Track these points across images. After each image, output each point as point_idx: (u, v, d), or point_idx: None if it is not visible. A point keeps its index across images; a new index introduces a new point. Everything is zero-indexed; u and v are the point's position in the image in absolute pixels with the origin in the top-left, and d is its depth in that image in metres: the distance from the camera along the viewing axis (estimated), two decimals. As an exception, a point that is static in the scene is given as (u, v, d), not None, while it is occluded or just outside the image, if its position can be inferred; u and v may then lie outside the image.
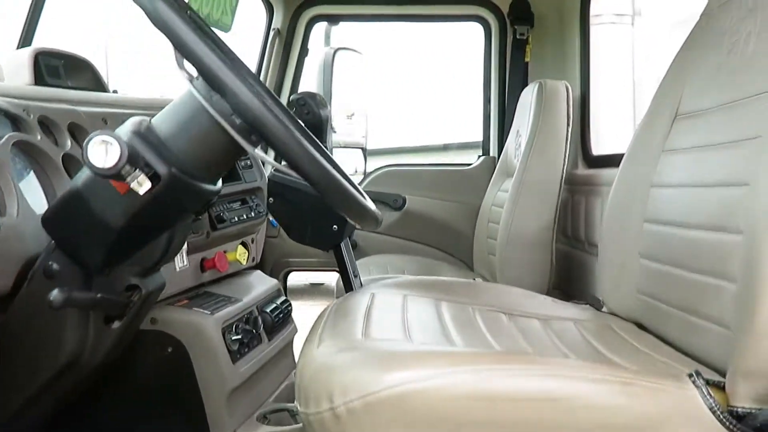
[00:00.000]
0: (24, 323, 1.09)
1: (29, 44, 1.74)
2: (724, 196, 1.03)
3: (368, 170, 3.06)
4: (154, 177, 0.97)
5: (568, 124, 2.25)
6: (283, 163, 0.95)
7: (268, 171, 2.04)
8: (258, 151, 1.01)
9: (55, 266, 1.06)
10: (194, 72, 0.95)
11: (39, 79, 1.44)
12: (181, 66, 0.99)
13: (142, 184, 0.94)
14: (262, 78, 2.78)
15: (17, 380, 1.13)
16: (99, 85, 1.64)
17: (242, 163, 1.93)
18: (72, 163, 1.29)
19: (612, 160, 2.20)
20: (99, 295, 1.07)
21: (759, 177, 0.92)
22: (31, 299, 1.07)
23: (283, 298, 2.01)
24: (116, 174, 0.92)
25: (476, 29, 2.90)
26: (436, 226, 2.85)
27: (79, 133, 1.38)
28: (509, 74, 2.80)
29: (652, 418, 0.82)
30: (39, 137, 1.25)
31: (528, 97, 2.39)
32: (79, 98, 1.46)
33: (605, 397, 0.82)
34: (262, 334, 1.80)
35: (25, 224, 1.12)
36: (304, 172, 0.90)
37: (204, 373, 1.57)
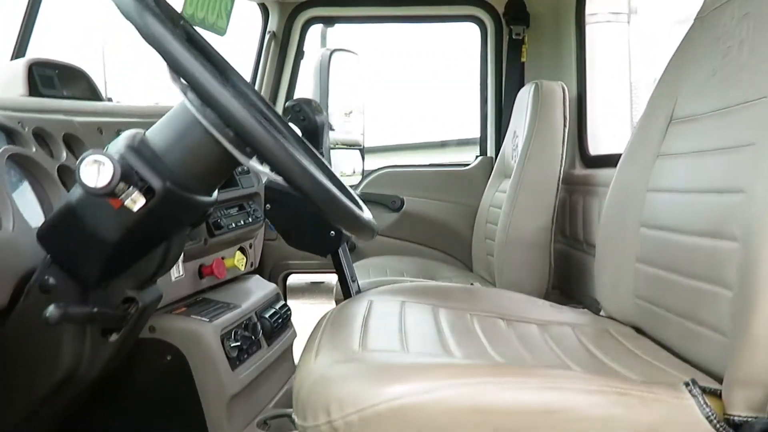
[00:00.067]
0: (21, 338, 1.09)
1: (23, 55, 1.74)
2: (719, 203, 1.03)
3: (367, 168, 3.07)
4: (148, 191, 0.97)
5: (564, 125, 2.25)
6: None
7: (264, 177, 2.03)
8: (253, 163, 1.01)
9: (51, 281, 1.06)
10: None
11: (33, 90, 1.44)
12: (174, 78, 0.99)
13: (136, 202, 0.94)
14: (258, 81, 2.78)
15: (15, 394, 1.13)
16: (94, 94, 1.64)
17: (239, 169, 1.93)
18: (68, 175, 1.29)
19: (609, 161, 2.20)
20: (95, 310, 1.07)
21: (754, 185, 0.92)
22: (27, 314, 1.07)
23: (282, 302, 2.02)
24: (109, 193, 0.92)
25: (472, 29, 2.89)
26: (434, 227, 2.85)
27: (74, 143, 1.38)
28: (506, 74, 2.80)
29: (648, 429, 0.83)
30: (34, 149, 1.25)
31: (524, 97, 2.39)
32: (74, 108, 1.46)
33: (601, 408, 0.83)
34: (261, 340, 1.81)
35: (21, 238, 1.12)
36: (297, 186, 0.90)
37: (203, 380, 1.57)
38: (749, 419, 0.84)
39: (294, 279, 3.02)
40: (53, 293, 1.06)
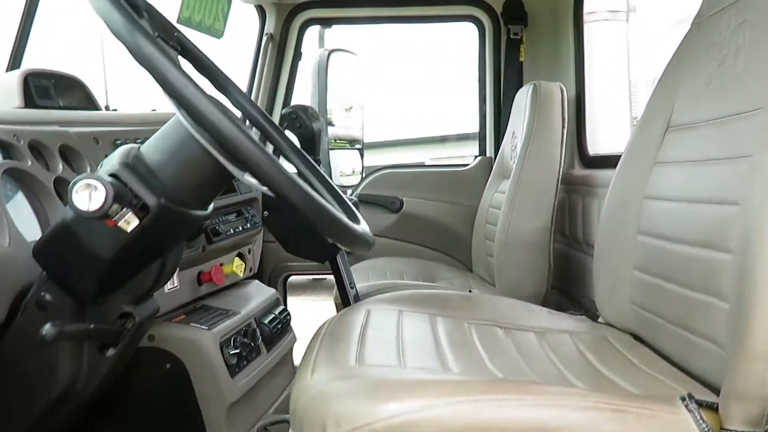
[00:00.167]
0: (18, 354, 1.09)
1: (18, 66, 1.73)
2: (715, 214, 1.03)
3: (369, 164, 3.06)
4: (142, 208, 0.97)
5: (563, 126, 2.25)
6: None
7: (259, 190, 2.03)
8: (248, 177, 1.01)
9: (47, 297, 1.06)
10: None
11: (29, 101, 1.44)
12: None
13: (129, 223, 0.94)
14: (255, 84, 2.77)
15: (14, 409, 1.13)
16: (90, 103, 1.63)
17: (237, 175, 1.93)
18: (64, 187, 1.29)
19: (608, 161, 2.20)
20: (92, 326, 1.07)
21: (749, 198, 0.92)
22: (24, 330, 1.06)
23: (281, 307, 2.02)
24: (102, 216, 0.92)
25: (470, 29, 2.88)
26: (434, 227, 2.84)
27: (70, 155, 1.38)
28: (504, 74, 2.79)
29: (644, 445, 0.83)
30: (30, 163, 1.24)
31: (523, 98, 2.38)
32: (69, 119, 1.46)
33: (597, 425, 0.82)
34: (261, 346, 1.81)
35: (17, 253, 1.11)
36: (287, 201, 0.90)
37: (203, 388, 1.58)
38: (745, 434, 0.84)
39: (295, 276, 3.02)
40: (49, 310, 1.05)
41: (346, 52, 2.95)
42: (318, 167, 1.36)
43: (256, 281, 2.10)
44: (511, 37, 2.73)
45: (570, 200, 2.43)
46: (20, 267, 1.11)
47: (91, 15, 0.93)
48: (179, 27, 2.30)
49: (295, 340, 2.04)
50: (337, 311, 2.09)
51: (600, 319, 1.44)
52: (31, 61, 1.78)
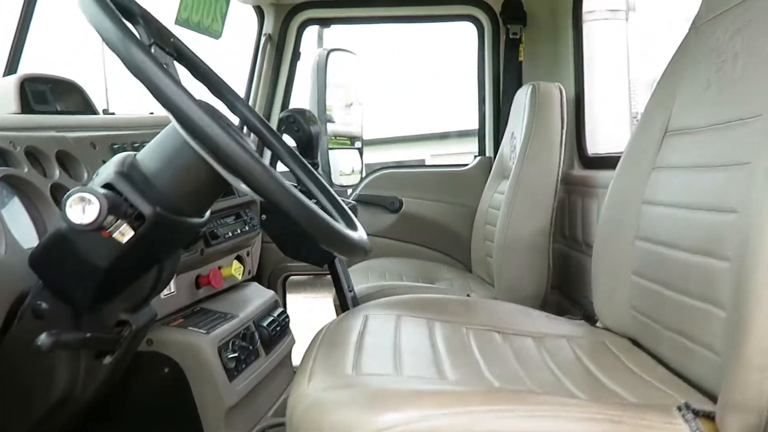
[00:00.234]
0: (15, 361, 1.08)
1: (15, 71, 1.73)
2: (713, 222, 1.02)
3: (369, 162, 3.05)
4: (138, 217, 0.97)
5: (562, 127, 2.24)
6: None
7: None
8: (244, 185, 1.01)
9: (43, 306, 1.06)
10: None
11: (26, 107, 1.44)
12: None
13: (124, 234, 0.94)
14: (254, 85, 2.76)
15: (12, 416, 1.13)
16: (87, 106, 1.63)
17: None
18: (61, 193, 1.28)
19: (608, 162, 2.19)
20: (88, 335, 1.07)
21: (746, 206, 0.91)
22: (20, 339, 1.06)
23: (280, 309, 2.01)
24: (97, 228, 0.92)
25: (470, 29, 2.87)
26: (433, 227, 2.84)
27: (67, 160, 1.37)
28: (503, 74, 2.78)
29: (641, 456, 0.82)
30: (26, 169, 1.24)
31: (522, 99, 2.37)
32: (66, 124, 1.45)
33: (594, 437, 0.82)
34: (260, 349, 1.81)
35: (13, 261, 1.11)
36: (286, 213, 0.89)
37: (201, 392, 1.58)
38: (743, 444, 0.84)
39: (294, 276, 3.02)
40: (46, 318, 1.05)
41: (345, 51, 2.94)
42: (316, 171, 1.36)
43: (255, 283, 2.09)
44: (510, 36, 2.71)
45: (570, 200, 2.43)
46: (17, 274, 1.11)
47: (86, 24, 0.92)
48: (178, 28, 2.31)
49: (294, 342, 2.04)
50: (337, 313, 2.09)
51: (598, 324, 1.43)
52: (32, 64, 1.77)
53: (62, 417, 1.17)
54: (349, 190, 2.90)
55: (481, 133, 2.93)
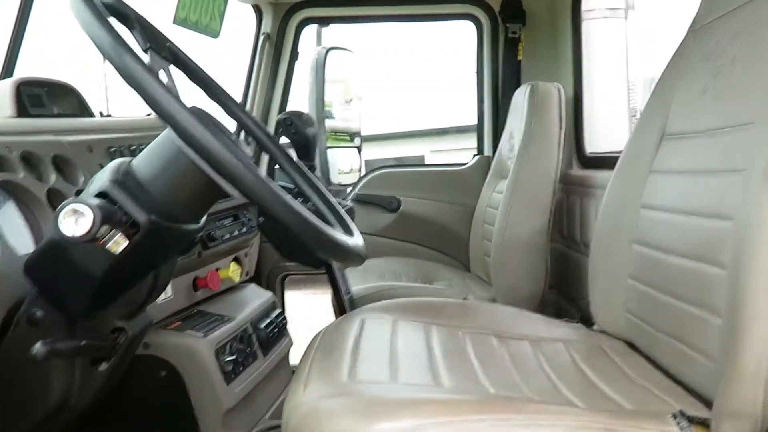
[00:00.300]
0: (9, 370, 1.08)
1: (11, 75, 1.72)
2: (709, 228, 1.02)
3: (369, 159, 3.04)
4: (132, 225, 0.97)
5: (560, 127, 2.24)
6: None
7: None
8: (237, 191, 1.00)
9: (39, 313, 1.05)
10: None
11: (22, 110, 1.43)
12: None
13: (118, 244, 0.94)
14: (252, 84, 2.76)
15: (8, 423, 1.13)
16: (84, 109, 1.62)
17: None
18: (57, 198, 1.28)
19: (606, 161, 2.19)
20: (83, 342, 1.07)
21: (742, 213, 0.91)
22: (15, 346, 1.06)
23: (278, 311, 2.02)
24: (90, 240, 0.92)
25: (469, 27, 2.87)
26: (431, 227, 2.84)
27: (63, 164, 1.37)
28: (502, 73, 2.77)
29: (635, 465, 0.82)
30: (22, 175, 1.23)
31: (520, 99, 2.37)
32: (62, 127, 1.45)
33: (588, 446, 0.82)
34: (257, 351, 1.81)
35: (9, 267, 1.11)
36: (281, 222, 0.89)
37: (198, 396, 1.58)
38: (737, 452, 0.84)
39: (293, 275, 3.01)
40: (41, 326, 1.05)
41: (343, 50, 2.93)
42: (312, 174, 1.35)
43: (253, 285, 2.09)
44: (510, 35, 2.71)
45: (568, 200, 2.42)
46: (12, 281, 1.10)
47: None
48: (175, 27, 2.30)
49: (292, 344, 2.04)
50: (335, 316, 2.09)
51: (595, 326, 1.43)
52: (30, 66, 1.76)
53: (60, 421, 1.16)
54: (348, 190, 2.90)
55: (479, 132, 2.93)
